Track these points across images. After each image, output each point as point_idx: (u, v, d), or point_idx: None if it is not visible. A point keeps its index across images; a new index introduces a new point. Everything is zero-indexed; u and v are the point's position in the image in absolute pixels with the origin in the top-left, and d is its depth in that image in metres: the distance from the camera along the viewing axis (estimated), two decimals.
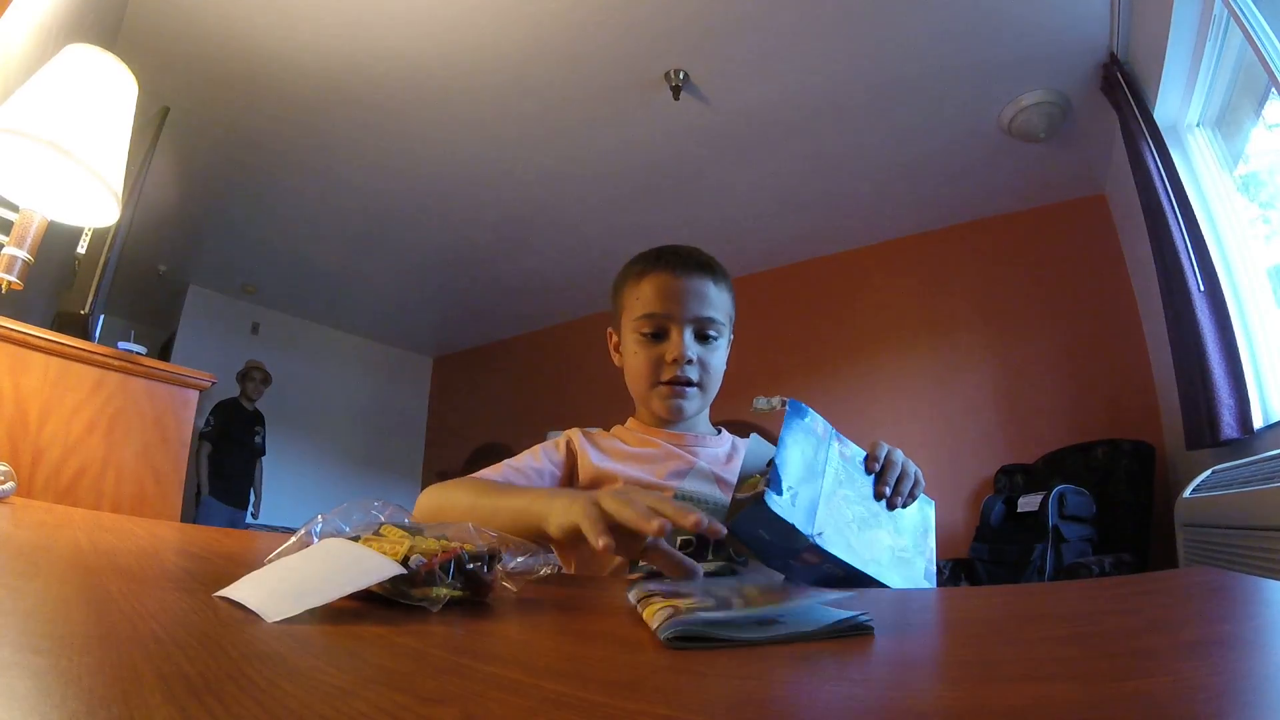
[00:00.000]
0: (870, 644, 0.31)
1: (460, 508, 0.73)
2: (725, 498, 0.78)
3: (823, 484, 0.66)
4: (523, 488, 0.80)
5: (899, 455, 0.72)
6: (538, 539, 0.61)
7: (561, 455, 0.87)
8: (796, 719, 0.21)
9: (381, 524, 0.44)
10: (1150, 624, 0.37)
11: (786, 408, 0.70)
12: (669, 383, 0.85)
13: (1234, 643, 0.31)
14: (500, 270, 4.27)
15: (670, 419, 0.88)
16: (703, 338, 0.86)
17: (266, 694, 0.20)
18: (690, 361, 0.84)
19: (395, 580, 0.36)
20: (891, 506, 0.69)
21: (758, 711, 0.21)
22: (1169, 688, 0.23)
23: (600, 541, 0.47)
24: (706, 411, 0.94)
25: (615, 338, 0.94)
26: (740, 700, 0.23)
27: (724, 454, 0.91)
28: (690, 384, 0.85)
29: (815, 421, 0.71)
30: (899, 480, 0.70)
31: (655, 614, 0.33)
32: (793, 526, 0.60)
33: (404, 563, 0.37)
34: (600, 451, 0.87)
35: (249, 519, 4.10)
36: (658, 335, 0.85)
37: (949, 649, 0.36)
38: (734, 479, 0.71)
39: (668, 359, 0.84)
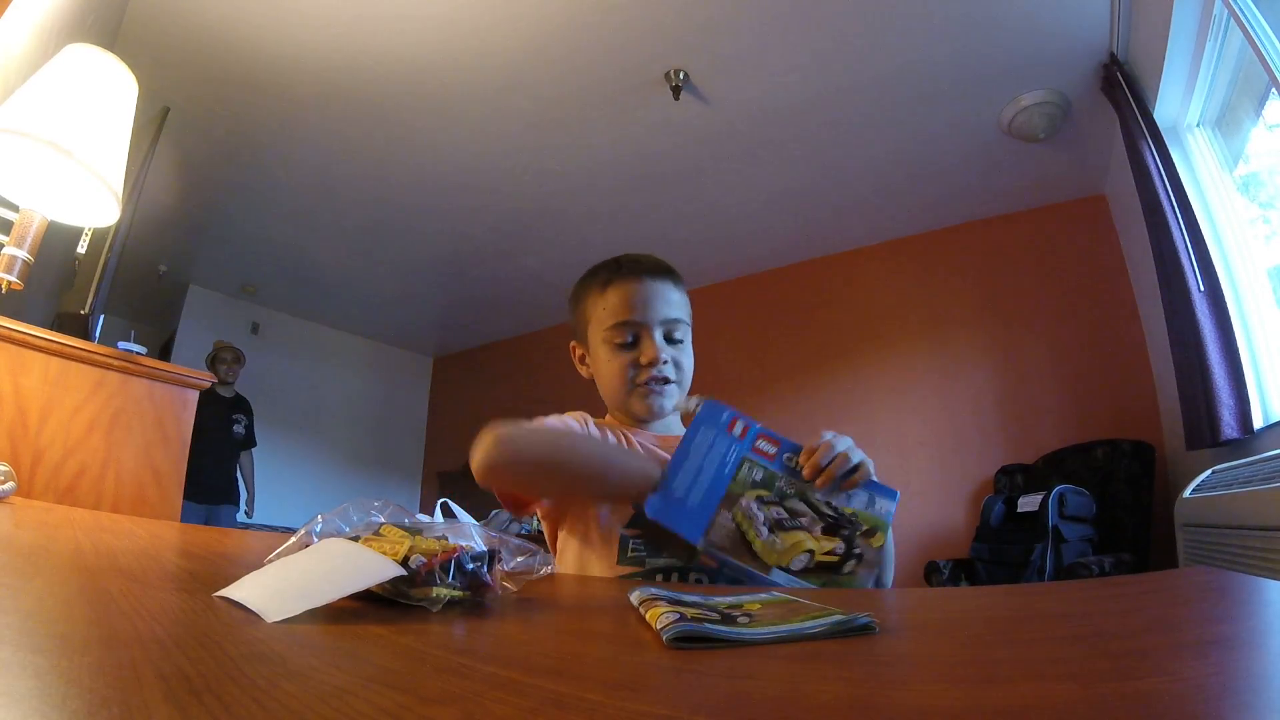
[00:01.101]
0: (871, 644, 0.31)
1: (566, 444, 0.77)
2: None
3: (728, 486, 0.67)
4: (624, 449, 0.84)
5: (842, 442, 0.71)
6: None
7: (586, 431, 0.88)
8: (796, 719, 0.21)
9: (381, 524, 0.44)
10: (1150, 624, 0.37)
11: (700, 408, 0.71)
12: (646, 382, 0.87)
13: (1234, 643, 0.31)
14: (500, 270, 4.27)
15: (650, 417, 0.90)
16: (670, 339, 0.89)
17: (266, 694, 0.20)
18: (665, 362, 0.87)
19: (395, 580, 0.36)
20: (821, 485, 0.69)
21: (758, 711, 0.21)
22: (1169, 688, 0.23)
23: None
24: (679, 414, 0.95)
25: (579, 350, 0.95)
26: (740, 700, 0.23)
27: None
28: (668, 381, 0.88)
29: (734, 421, 0.71)
30: (833, 463, 0.69)
31: (661, 615, 0.33)
32: (677, 533, 0.63)
33: (404, 563, 0.37)
34: None
35: (242, 517, 3.77)
36: (630, 342, 0.87)
37: (949, 649, 0.36)
38: None
39: (643, 362, 0.86)
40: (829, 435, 0.71)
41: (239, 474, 3.82)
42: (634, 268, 0.89)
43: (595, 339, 0.90)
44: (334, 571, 0.37)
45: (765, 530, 0.65)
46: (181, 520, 3.45)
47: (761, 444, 0.71)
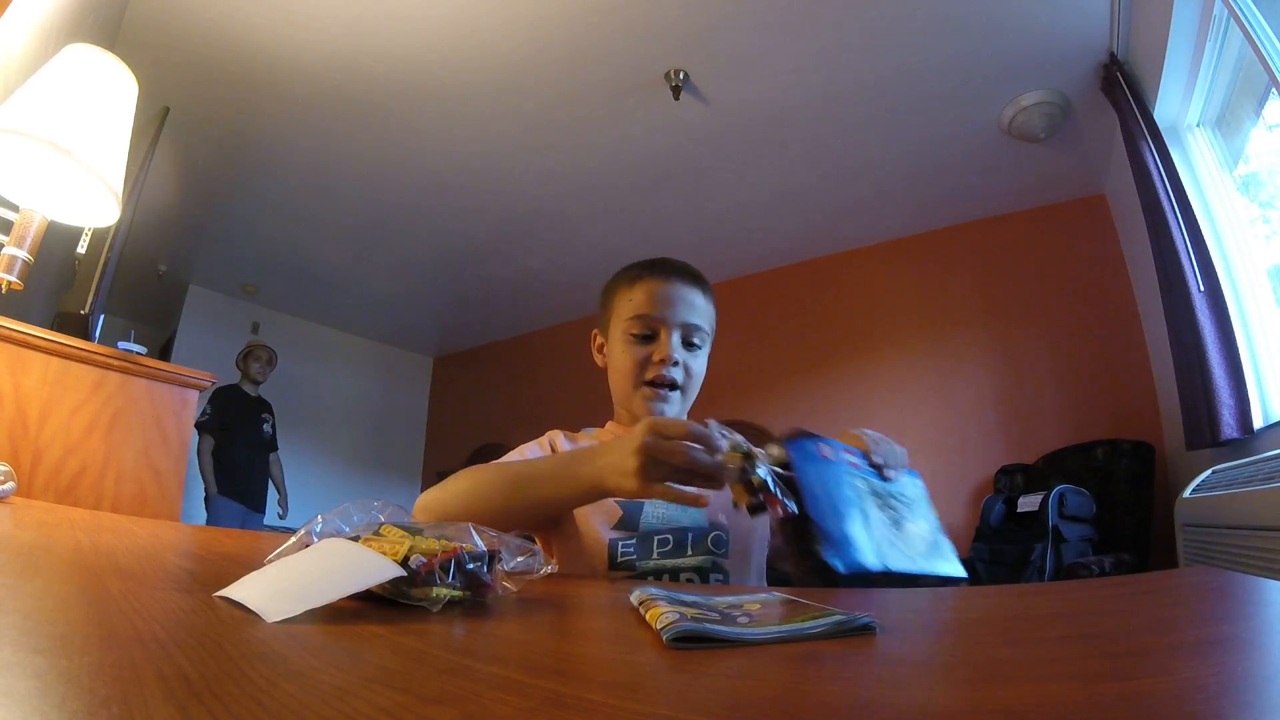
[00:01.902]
0: (871, 644, 0.31)
1: (482, 487, 0.74)
2: (699, 509, 0.74)
3: (857, 510, 0.65)
4: (544, 458, 0.83)
5: (877, 434, 0.76)
6: (581, 499, 0.68)
7: (547, 454, 0.88)
8: (796, 719, 0.21)
9: (381, 524, 0.44)
10: (1150, 624, 0.37)
11: (791, 451, 0.65)
12: (652, 383, 0.88)
13: (1234, 643, 0.31)
14: (500, 270, 4.27)
15: None
16: (688, 344, 0.90)
17: (266, 694, 0.20)
18: (676, 364, 0.88)
19: (395, 580, 0.36)
20: (887, 478, 0.72)
21: (758, 711, 0.21)
22: (1169, 688, 0.23)
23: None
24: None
25: (600, 339, 0.98)
26: (740, 700, 0.23)
27: None
28: (674, 387, 0.89)
29: (819, 446, 0.68)
30: (894, 455, 0.74)
31: (661, 615, 0.33)
32: (868, 570, 0.60)
33: (404, 563, 0.37)
34: None
35: (277, 520, 3.72)
36: (647, 336, 0.89)
37: (949, 649, 0.36)
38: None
39: (655, 359, 0.88)
40: (868, 433, 0.75)
41: (269, 479, 3.84)
42: (665, 268, 0.92)
43: (616, 330, 0.92)
44: (334, 571, 0.37)
45: (897, 533, 0.66)
46: (220, 519, 3.38)
47: (846, 456, 0.70)
